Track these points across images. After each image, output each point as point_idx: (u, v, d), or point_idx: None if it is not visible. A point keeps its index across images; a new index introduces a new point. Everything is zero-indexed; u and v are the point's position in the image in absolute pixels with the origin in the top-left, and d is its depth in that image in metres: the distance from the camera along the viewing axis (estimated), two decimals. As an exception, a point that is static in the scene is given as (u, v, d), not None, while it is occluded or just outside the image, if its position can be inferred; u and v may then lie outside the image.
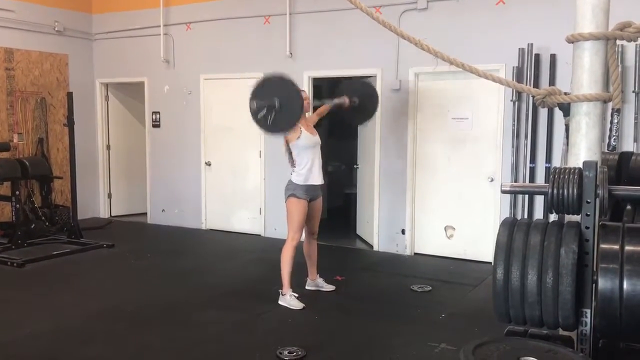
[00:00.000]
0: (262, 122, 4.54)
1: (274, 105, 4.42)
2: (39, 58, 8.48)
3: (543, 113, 6.15)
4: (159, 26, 8.50)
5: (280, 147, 7.68)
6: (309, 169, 5.10)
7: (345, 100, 5.55)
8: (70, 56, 8.90)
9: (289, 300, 5.03)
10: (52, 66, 8.66)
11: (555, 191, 2.39)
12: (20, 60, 8.24)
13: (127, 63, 8.98)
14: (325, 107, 5.56)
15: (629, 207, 2.81)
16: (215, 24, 8.13)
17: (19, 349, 4.16)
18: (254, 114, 4.49)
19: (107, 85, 9.36)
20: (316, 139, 5.20)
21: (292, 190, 5.11)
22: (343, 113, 5.64)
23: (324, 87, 8.45)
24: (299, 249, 5.23)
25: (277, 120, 4.43)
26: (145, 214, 9.17)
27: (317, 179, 5.17)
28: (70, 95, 7.68)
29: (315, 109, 5.59)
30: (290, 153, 5.15)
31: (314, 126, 5.34)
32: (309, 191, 5.12)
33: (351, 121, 5.70)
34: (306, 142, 5.08)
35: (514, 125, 6.28)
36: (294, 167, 5.15)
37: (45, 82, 8.56)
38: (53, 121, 8.66)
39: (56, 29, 8.64)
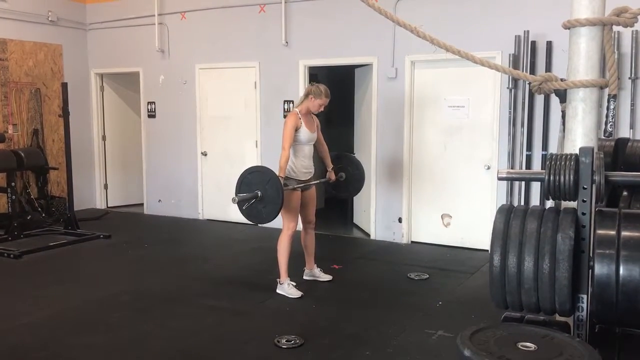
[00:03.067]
0: (247, 213, 4.76)
1: (257, 196, 4.69)
2: (33, 48, 8.42)
3: (539, 100, 6.15)
4: (154, 15, 8.44)
5: (276, 136, 7.71)
6: (300, 161, 5.11)
7: (330, 176, 5.56)
8: (64, 46, 8.84)
9: (286, 288, 5.04)
10: (46, 56, 8.60)
11: (551, 177, 2.39)
12: (14, 51, 8.18)
13: (122, 53, 8.93)
14: (328, 161, 5.54)
15: (625, 193, 2.82)
16: (210, 13, 8.07)
17: (17, 339, 4.17)
18: (239, 207, 4.72)
19: (101, 75, 9.31)
20: (313, 135, 5.20)
21: (283, 182, 5.13)
22: (328, 183, 5.67)
23: (320, 76, 8.43)
24: (296, 239, 5.24)
25: (262, 209, 4.70)
26: (142, 204, 9.16)
27: (307, 170, 5.18)
28: (64, 86, 7.63)
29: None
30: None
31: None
32: (301, 182, 5.13)
33: (335, 193, 5.86)
34: (302, 137, 5.09)
35: (510, 112, 6.28)
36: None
37: (39, 72, 8.51)
38: (48, 112, 8.62)
39: (50, 18, 8.57)
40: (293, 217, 5.13)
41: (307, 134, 5.12)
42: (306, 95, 5.16)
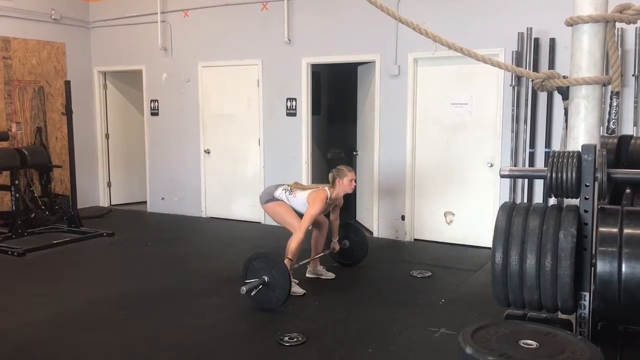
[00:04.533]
0: (256, 299, 4.69)
1: (264, 282, 4.63)
2: (36, 47, 8.44)
3: (542, 98, 6.13)
4: (157, 13, 8.44)
5: (279, 135, 7.72)
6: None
7: (335, 247, 5.59)
8: (67, 44, 8.85)
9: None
10: (49, 55, 8.62)
11: (554, 175, 2.38)
12: (17, 49, 8.20)
13: (125, 51, 8.94)
14: (335, 232, 5.56)
15: (628, 190, 2.81)
16: (212, 11, 8.07)
17: (20, 337, 4.18)
18: (248, 294, 4.66)
19: (104, 73, 9.32)
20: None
21: (270, 196, 5.16)
22: (332, 253, 5.71)
23: (323, 74, 8.42)
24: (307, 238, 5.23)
25: (271, 295, 4.63)
26: (145, 202, 9.17)
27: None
28: (67, 84, 7.65)
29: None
30: (296, 196, 5.16)
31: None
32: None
33: (338, 261, 5.89)
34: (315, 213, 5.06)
35: (513, 110, 6.26)
36: (291, 194, 5.16)
37: (42, 70, 8.53)
38: (51, 110, 8.63)
39: (53, 17, 8.59)
40: (297, 220, 5.10)
41: (320, 212, 5.12)
42: (332, 182, 5.15)
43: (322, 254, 5.54)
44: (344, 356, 3.88)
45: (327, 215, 5.47)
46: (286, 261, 4.78)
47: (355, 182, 5.24)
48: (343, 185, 5.12)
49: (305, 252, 5.48)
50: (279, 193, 5.20)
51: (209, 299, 5.00)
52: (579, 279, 2.31)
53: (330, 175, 5.26)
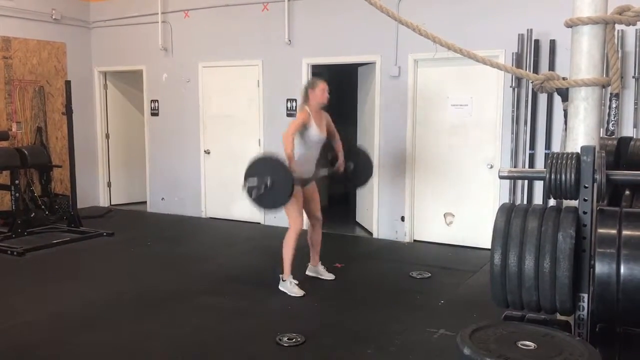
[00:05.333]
0: (257, 200, 4.74)
1: (266, 183, 4.65)
2: (37, 46, 8.45)
3: (542, 99, 6.13)
4: (157, 14, 8.45)
5: (279, 135, 7.70)
6: (303, 163, 5.08)
7: (340, 167, 5.50)
8: (68, 44, 8.86)
9: (289, 287, 5.04)
10: (50, 54, 8.62)
11: (552, 176, 2.38)
12: (18, 49, 8.21)
13: (125, 51, 8.94)
14: (341, 155, 5.48)
15: (627, 192, 2.81)
16: (213, 11, 8.08)
17: (19, 337, 4.19)
18: (248, 194, 4.70)
19: (105, 73, 9.33)
20: (322, 136, 5.17)
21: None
22: (335, 177, 5.65)
23: (323, 75, 8.42)
24: (302, 237, 5.23)
25: (269, 197, 4.65)
26: (145, 202, 9.17)
27: (308, 172, 5.16)
28: (68, 84, 7.65)
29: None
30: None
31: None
32: (302, 180, 5.12)
33: (344, 185, 5.78)
34: (311, 137, 5.06)
35: (513, 111, 6.26)
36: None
37: (43, 70, 8.53)
38: (52, 110, 8.64)
39: (54, 17, 8.59)
40: (298, 213, 5.11)
41: (317, 133, 5.08)
42: (305, 94, 5.14)
43: (327, 172, 5.44)
44: (343, 357, 3.88)
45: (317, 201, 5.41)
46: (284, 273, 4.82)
47: (329, 92, 5.14)
48: (315, 96, 5.05)
49: (303, 253, 5.48)
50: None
51: (208, 298, 5.00)
52: (578, 280, 2.31)
53: (301, 89, 5.26)
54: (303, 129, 5.01)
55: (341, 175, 5.60)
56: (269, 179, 4.63)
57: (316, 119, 5.08)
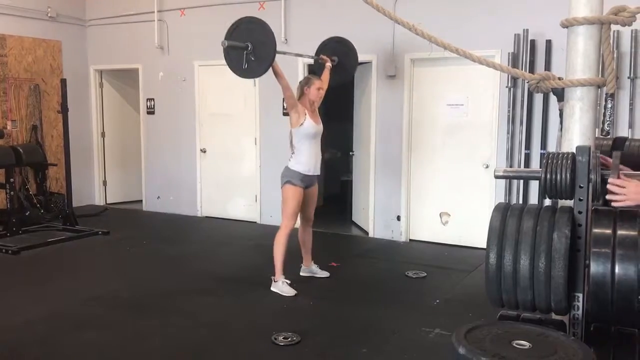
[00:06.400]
0: (232, 60, 4.50)
1: (247, 48, 4.41)
2: (32, 44, 8.42)
3: (538, 99, 6.15)
4: (153, 12, 8.43)
5: (275, 134, 7.71)
6: (307, 158, 5.09)
7: (323, 58, 5.56)
8: (63, 42, 8.84)
9: (280, 286, 5.03)
10: (45, 52, 8.59)
11: (548, 176, 2.38)
12: (13, 47, 8.18)
13: (121, 49, 8.92)
14: (325, 75, 5.54)
15: (622, 192, 2.81)
16: (209, 10, 8.07)
17: (15, 335, 4.17)
18: (225, 52, 4.43)
19: (101, 71, 9.31)
20: (319, 127, 5.18)
21: (288, 177, 5.10)
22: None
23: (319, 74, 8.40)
24: (294, 236, 5.23)
25: (249, 62, 4.43)
26: (141, 201, 9.16)
27: (314, 169, 5.16)
28: (63, 82, 7.63)
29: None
30: (291, 139, 5.15)
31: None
32: (305, 180, 5.12)
33: (332, 80, 5.75)
34: (308, 130, 5.07)
35: (509, 111, 6.28)
36: (293, 153, 5.14)
37: (38, 68, 8.50)
38: (47, 108, 8.61)
39: (49, 14, 8.57)
40: (293, 215, 5.12)
41: (313, 126, 5.10)
42: (300, 91, 5.17)
43: (312, 60, 5.49)
44: (338, 356, 3.88)
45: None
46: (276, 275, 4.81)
47: (321, 94, 5.20)
48: (310, 92, 5.13)
49: (295, 253, 5.48)
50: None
51: (203, 298, 5.00)
52: (573, 280, 2.32)
53: (297, 87, 5.28)
54: (299, 126, 5.02)
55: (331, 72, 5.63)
56: (250, 45, 4.44)
57: (310, 114, 5.12)
